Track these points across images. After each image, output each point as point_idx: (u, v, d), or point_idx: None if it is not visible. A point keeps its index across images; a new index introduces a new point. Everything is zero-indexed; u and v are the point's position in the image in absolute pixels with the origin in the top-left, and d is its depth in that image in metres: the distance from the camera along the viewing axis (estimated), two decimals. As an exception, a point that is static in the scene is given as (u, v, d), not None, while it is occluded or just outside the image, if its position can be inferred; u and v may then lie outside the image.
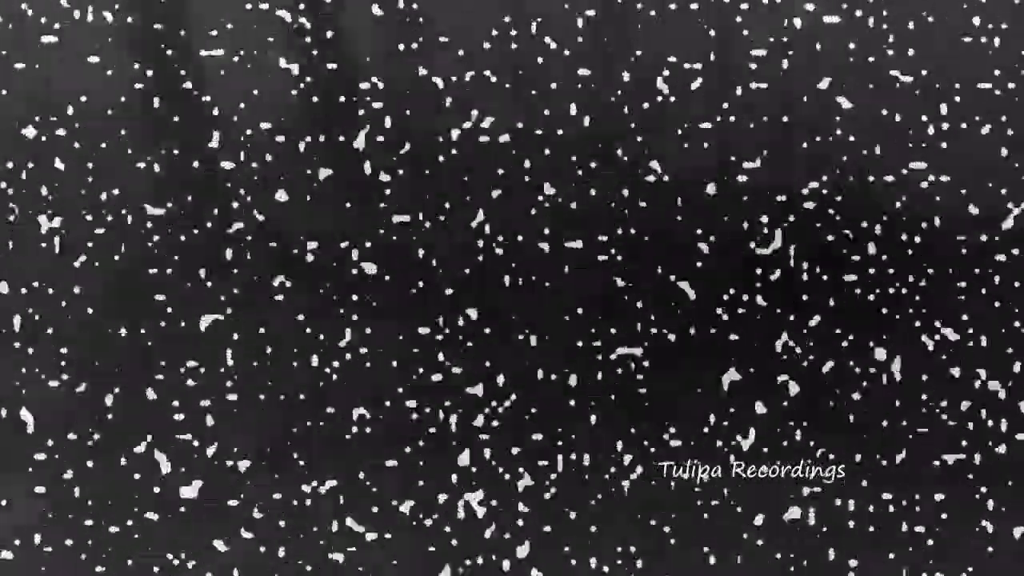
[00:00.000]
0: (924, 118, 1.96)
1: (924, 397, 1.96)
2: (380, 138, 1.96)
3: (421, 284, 1.97)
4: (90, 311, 1.95)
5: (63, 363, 1.95)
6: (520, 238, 1.96)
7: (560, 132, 1.97)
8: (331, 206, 1.96)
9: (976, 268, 1.97)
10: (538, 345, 1.97)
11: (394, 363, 1.97)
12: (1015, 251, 1.97)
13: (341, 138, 1.96)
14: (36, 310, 1.95)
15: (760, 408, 1.96)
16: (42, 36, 1.95)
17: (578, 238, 1.96)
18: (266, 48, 1.94)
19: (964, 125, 1.97)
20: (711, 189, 1.96)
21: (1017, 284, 1.97)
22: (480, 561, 1.92)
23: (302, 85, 1.95)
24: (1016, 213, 1.97)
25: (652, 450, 1.96)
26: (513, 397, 1.97)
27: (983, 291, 1.97)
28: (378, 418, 1.96)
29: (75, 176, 1.94)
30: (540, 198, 1.96)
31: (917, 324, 1.97)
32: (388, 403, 1.96)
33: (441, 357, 1.98)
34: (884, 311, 1.97)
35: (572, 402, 1.97)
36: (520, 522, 1.94)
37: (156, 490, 1.94)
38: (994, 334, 1.97)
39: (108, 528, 1.93)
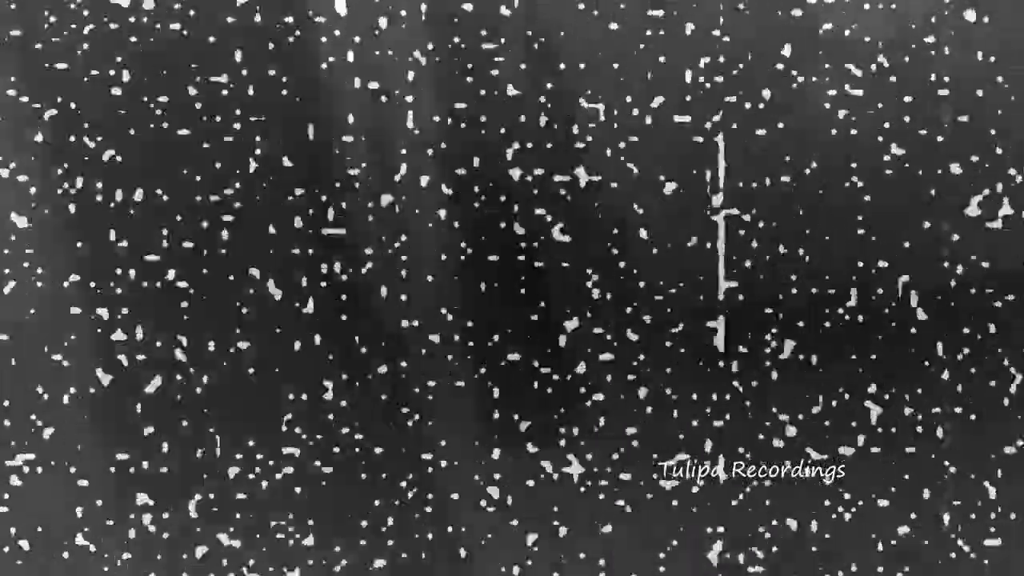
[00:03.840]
0: (904, 116, 1.95)
1: (907, 397, 1.95)
2: (350, 139, 1.97)
3: (403, 284, 1.97)
4: (75, 313, 1.96)
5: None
6: (500, 238, 1.96)
7: (537, 132, 1.97)
8: (308, 206, 1.97)
9: (965, 268, 1.96)
10: (520, 345, 1.97)
11: (373, 363, 1.97)
12: (1001, 250, 1.95)
13: (318, 139, 1.96)
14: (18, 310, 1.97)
15: (746, 408, 1.96)
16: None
17: (559, 238, 1.96)
18: (247, 49, 1.95)
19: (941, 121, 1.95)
20: (691, 188, 1.95)
21: (1004, 284, 1.95)
22: (463, 561, 1.93)
23: (284, 83, 1.96)
24: (1003, 213, 1.96)
25: (634, 450, 1.95)
26: (496, 397, 1.97)
27: (972, 291, 1.96)
28: (358, 418, 1.96)
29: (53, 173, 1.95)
30: (520, 197, 1.96)
31: (904, 325, 1.96)
32: (368, 402, 1.97)
33: (422, 356, 1.98)
34: (870, 311, 1.96)
35: (555, 401, 1.97)
36: (503, 522, 1.95)
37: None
38: (983, 336, 1.95)
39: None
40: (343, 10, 1.89)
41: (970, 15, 1.85)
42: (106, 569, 1.96)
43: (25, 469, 1.97)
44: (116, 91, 1.94)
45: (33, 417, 1.97)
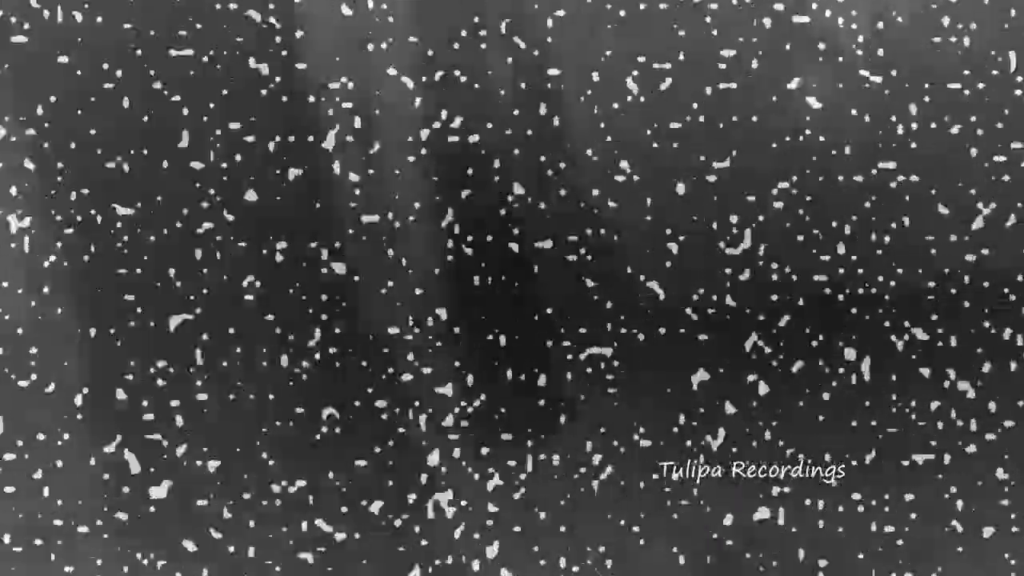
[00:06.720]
0: (893, 118, 1.96)
1: (894, 397, 1.96)
2: (349, 138, 1.96)
3: (390, 284, 1.97)
4: (59, 311, 1.95)
5: (32, 363, 1.95)
6: (489, 238, 1.96)
7: (529, 132, 1.97)
8: (300, 206, 1.96)
9: (946, 268, 1.97)
10: (507, 345, 1.97)
11: (363, 363, 1.97)
12: (984, 251, 1.97)
13: (310, 138, 1.95)
14: (5, 310, 1.95)
15: (729, 408, 1.96)
16: (11, 36, 1.95)
17: (548, 238, 1.96)
18: (235, 48, 1.94)
19: (933, 125, 1.97)
20: (680, 189, 1.96)
21: (986, 284, 1.97)
22: (449, 561, 1.92)
23: (271, 85, 1.95)
24: (985, 214, 1.98)
25: (621, 450, 1.96)
26: (483, 397, 1.97)
27: (953, 291, 1.97)
28: (347, 418, 1.96)
29: (45, 176, 1.94)
30: (510, 198, 1.96)
31: (887, 324, 1.97)
32: (357, 403, 1.96)
33: (411, 357, 1.98)
34: (854, 311, 1.97)
35: (541, 402, 1.97)
36: (490, 522, 1.94)
37: (125, 490, 1.94)
38: (964, 334, 1.97)
39: (77, 528, 1.93)
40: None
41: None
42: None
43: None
44: (108, 85, 1.93)
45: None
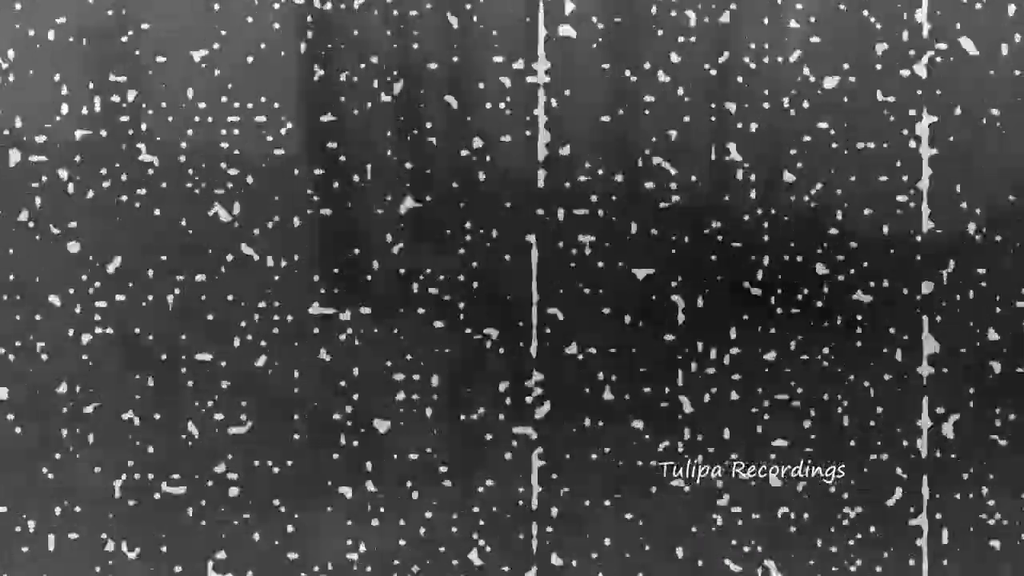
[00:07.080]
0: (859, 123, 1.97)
1: (890, 396, 1.97)
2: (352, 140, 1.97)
3: (394, 284, 1.97)
4: (57, 312, 1.95)
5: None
6: (493, 240, 1.96)
7: (539, 135, 1.98)
8: (306, 207, 1.97)
9: (939, 270, 1.98)
10: (511, 346, 1.98)
11: (368, 364, 1.97)
12: (979, 254, 1.97)
13: (318, 139, 1.96)
14: None
15: (733, 409, 1.96)
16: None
17: (553, 240, 1.97)
18: (235, 49, 1.95)
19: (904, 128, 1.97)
20: (696, 188, 1.96)
21: (983, 284, 1.98)
22: (451, 561, 1.93)
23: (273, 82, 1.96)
24: (980, 213, 1.98)
25: (623, 451, 1.96)
26: (481, 400, 1.97)
27: (951, 291, 1.98)
28: (351, 422, 1.96)
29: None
30: (516, 197, 1.97)
31: (886, 327, 1.98)
32: (360, 405, 1.97)
33: (413, 358, 1.98)
34: (854, 314, 1.98)
35: (543, 402, 1.97)
36: (491, 522, 1.95)
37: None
38: (958, 338, 1.97)
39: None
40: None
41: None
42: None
43: None
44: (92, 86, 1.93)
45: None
